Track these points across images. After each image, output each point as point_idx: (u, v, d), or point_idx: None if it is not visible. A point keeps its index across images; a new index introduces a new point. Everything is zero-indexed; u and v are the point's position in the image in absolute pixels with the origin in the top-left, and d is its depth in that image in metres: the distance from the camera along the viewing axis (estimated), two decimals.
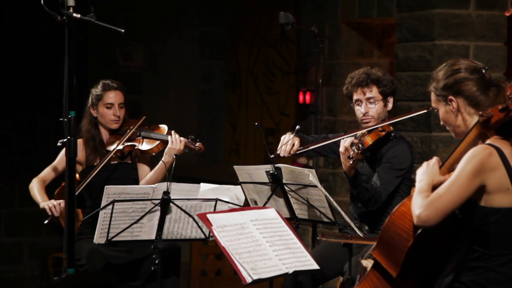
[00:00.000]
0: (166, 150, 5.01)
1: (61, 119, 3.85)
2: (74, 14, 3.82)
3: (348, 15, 7.52)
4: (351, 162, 4.38)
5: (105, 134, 5.13)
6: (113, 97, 5.08)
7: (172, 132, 5.07)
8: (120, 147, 5.03)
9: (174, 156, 4.85)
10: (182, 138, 5.02)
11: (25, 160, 8.43)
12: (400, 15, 6.82)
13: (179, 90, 9.22)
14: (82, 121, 5.12)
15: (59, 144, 3.95)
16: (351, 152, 4.33)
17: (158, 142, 5.05)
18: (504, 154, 3.29)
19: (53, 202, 4.85)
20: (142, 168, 5.15)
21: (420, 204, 3.25)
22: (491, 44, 6.59)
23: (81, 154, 5.04)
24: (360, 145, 4.34)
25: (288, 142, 4.79)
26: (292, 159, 7.01)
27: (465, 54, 6.50)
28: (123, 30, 3.96)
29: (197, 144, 5.05)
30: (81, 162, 5.08)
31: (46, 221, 4.87)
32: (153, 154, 5.08)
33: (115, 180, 4.96)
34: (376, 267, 3.41)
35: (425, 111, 4.62)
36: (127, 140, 5.04)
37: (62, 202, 4.77)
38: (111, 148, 5.03)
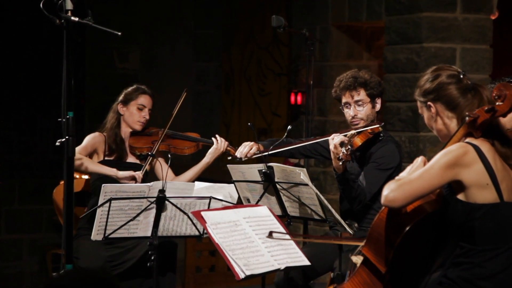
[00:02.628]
0: (210, 150, 5.22)
1: (59, 119, 3.91)
2: (72, 17, 3.89)
3: (338, 19, 7.56)
4: (340, 163, 4.46)
5: (124, 134, 5.24)
6: (147, 101, 5.25)
7: (216, 135, 5.27)
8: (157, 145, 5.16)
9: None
10: (224, 140, 5.25)
11: (24, 159, 8.42)
12: (389, 18, 6.86)
13: (174, 91, 9.26)
14: (108, 116, 5.26)
15: (57, 144, 3.98)
16: (341, 154, 4.40)
17: (194, 143, 5.26)
18: (481, 151, 3.35)
19: (132, 173, 5.00)
20: (164, 169, 5.16)
21: (389, 186, 3.29)
22: (477, 47, 6.64)
23: (102, 146, 5.17)
24: (349, 146, 4.39)
25: (247, 145, 4.94)
26: (284, 159, 7.07)
27: (452, 56, 6.55)
28: (119, 33, 4.05)
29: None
30: (99, 153, 5.18)
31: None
32: (185, 154, 5.27)
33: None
34: (365, 263, 3.44)
35: (377, 125, 4.70)
36: (162, 140, 5.18)
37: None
38: (136, 147, 5.18)
